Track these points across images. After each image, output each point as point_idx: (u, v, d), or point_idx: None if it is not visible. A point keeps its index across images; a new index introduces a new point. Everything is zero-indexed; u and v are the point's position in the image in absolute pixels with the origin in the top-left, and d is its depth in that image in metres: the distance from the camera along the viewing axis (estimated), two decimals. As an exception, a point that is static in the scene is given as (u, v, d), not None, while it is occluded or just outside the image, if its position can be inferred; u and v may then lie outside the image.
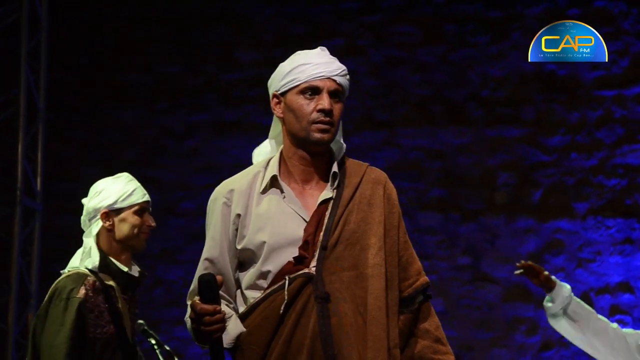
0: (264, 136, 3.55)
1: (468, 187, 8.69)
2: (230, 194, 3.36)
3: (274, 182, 3.36)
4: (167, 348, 5.62)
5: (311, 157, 3.37)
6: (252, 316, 3.29)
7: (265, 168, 3.40)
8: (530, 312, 8.40)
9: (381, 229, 3.35)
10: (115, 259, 4.36)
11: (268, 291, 3.28)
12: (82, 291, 4.20)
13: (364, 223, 3.34)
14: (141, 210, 4.44)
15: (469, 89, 8.81)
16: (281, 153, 3.42)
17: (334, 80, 3.34)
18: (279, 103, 3.39)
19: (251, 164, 3.51)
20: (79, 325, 4.17)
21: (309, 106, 3.32)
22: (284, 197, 3.34)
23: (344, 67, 3.39)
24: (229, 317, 3.25)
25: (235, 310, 3.34)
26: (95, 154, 9.05)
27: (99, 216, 4.38)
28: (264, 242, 3.28)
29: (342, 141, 3.47)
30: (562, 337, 8.34)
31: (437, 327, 3.41)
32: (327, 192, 3.36)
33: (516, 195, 8.61)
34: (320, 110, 3.31)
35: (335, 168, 3.38)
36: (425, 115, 8.85)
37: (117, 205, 4.40)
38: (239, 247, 3.32)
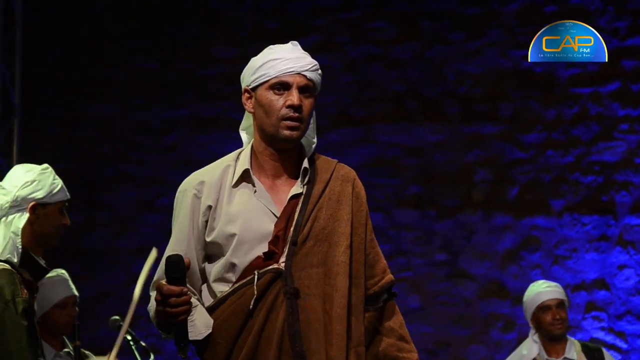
0: (241, 132, 3.54)
1: (445, 184, 8.70)
2: (200, 186, 3.34)
3: (245, 176, 3.35)
4: (143, 344, 5.61)
5: (281, 152, 3.36)
6: (220, 310, 3.28)
7: (236, 161, 3.39)
8: (507, 309, 8.43)
9: (349, 227, 3.35)
10: (31, 252, 4.26)
11: (236, 285, 3.27)
12: (25, 291, 4.12)
13: (333, 220, 3.34)
14: (62, 208, 4.34)
15: (445, 85, 8.82)
16: (252, 147, 3.40)
17: (304, 76, 3.33)
18: (250, 98, 3.39)
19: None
20: (30, 325, 4.13)
21: (278, 102, 3.31)
22: (255, 192, 3.33)
23: (315, 62, 3.37)
24: (194, 308, 3.23)
25: (202, 303, 3.32)
26: (71, 149, 9.02)
27: (27, 207, 4.27)
28: (234, 235, 3.27)
29: (314, 137, 3.46)
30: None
31: (401, 325, 3.43)
32: (297, 188, 3.35)
33: (493, 192, 8.63)
34: (289, 106, 3.29)
35: (305, 164, 3.37)
36: (402, 112, 8.86)
37: (46, 200, 4.29)
38: (208, 239, 3.31)
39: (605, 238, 8.37)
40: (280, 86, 3.32)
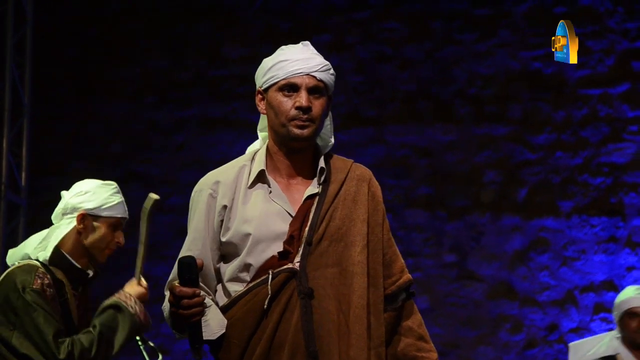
0: (251, 132, 3.54)
1: (454, 185, 8.70)
2: (216, 186, 3.35)
3: (260, 177, 3.35)
4: (152, 344, 5.61)
5: (295, 152, 3.36)
6: (234, 309, 3.28)
7: (252, 161, 3.39)
8: (515, 310, 8.42)
9: (365, 227, 3.34)
10: (75, 261, 4.30)
11: (251, 285, 3.27)
12: (38, 281, 4.15)
13: (349, 220, 3.33)
14: (116, 225, 4.38)
15: (455, 86, 8.82)
16: (267, 147, 3.41)
17: (314, 77, 3.32)
18: (262, 99, 3.39)
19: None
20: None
21: (287, 103, 3.31)
22: (270, 192, 3.33)
23: (325, 63, 3.37)
24: (208, 308, 3.23)
25: (216, 303, 3.32)
26: (81, 148, 9.04)
27: (75, 215, 4.32)
28: (249, 235, 3.27)
29: (331, 136, 3.46)
30: (546, 336, 8.39)
31: (420, 324, 3.43)
32: (313, 188, 3.35)
33: (502, 193, 8.63)
34: (298, 108, 3.29)
35: (322, 163, 3.37)
36: (412, 113, 8.86)
37: (97, 212, 4.33)
38: (223, 239, 3.31)
39: (613, 240, 8.36)
40: (289, 88, 3.32)
